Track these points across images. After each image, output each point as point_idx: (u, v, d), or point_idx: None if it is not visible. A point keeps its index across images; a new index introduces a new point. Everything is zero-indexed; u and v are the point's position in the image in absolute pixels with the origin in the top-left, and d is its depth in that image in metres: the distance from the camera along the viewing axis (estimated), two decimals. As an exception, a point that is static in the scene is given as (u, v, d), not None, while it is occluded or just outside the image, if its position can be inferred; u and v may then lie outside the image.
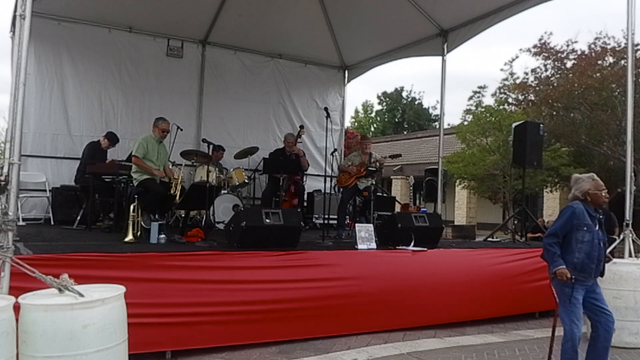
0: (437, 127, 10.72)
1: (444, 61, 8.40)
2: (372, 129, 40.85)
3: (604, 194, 3.74)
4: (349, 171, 7.53)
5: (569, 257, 3.65)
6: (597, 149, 14.61)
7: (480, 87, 18.70)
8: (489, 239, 8.19)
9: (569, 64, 14.93)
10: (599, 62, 14.32)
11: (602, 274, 3.80)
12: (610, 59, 14.36)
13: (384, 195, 10.52)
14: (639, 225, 6.77)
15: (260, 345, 4.56)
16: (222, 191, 7.77)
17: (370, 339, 5.00)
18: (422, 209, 8.07)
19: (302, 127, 8.77)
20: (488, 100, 18.77)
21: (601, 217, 3.78)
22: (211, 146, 6.80)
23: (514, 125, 8.47)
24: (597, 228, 3.71)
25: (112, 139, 7.80)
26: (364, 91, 64.67)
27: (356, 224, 6.01)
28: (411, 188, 9.41)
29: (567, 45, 14.84)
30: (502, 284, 5.95)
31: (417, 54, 9.10)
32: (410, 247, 5.77)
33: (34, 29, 3.77)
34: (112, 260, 4.20)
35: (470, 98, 18.65)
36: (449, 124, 21.69)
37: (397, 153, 8.09)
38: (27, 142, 7.75)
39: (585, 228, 3.63)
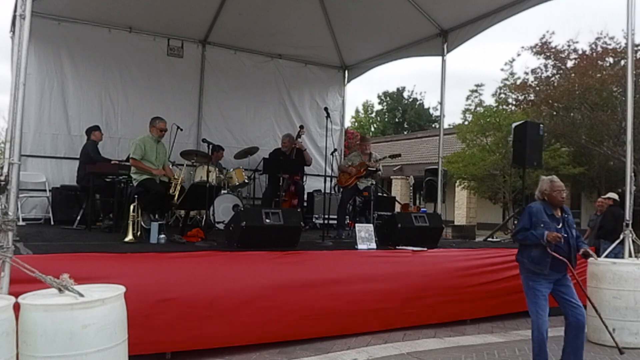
0: (438, 127, 10.73)
1: (444, 61, 8.40)
2: (373, 129, 40.82)
3: (558, 196, 3.99)
4: (348, 171, 7.53)
5: (527, 251, 4.00)
6: (597, 149, 14.61)
7: (477, 86, 18.72)
8: (489, 239, 8.19)
9: (569, 64, 14.94)
10: (600, 62, 14.33)
11: (572, 265, 4.00)
12: (611, 60, 14.36)
13: (384, 195, 10.53)
14: (639, 225, 6.77)
15: (260, 345, 4.56)
16: (222, 191, 7.76)
17: (370, 339, 5.00)
18: (422, 209, 8.06)
19: (302, 127, 8.76)
20: (488, 100, 18.78)
21: (566, 215, 4.05)
22: (211, 146, 6.80)
23: (514, 125, 8.48)
24: (559, 226, 3.96)
25: (96, 127, 7.76)
26: (364, 91, 64.73)
27: (356, 224, 6.02)
28: (411, 188, 9.39)
29: (569, 45, 14.87)
30: (501, 283, 5.96)
31: (417, 54, 9.11)
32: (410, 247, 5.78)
33: (34, 29, 3.77)
34: (112, 260, 4.20)
35: (468, 98, 18.69)
36: (449, 124, 21.69)
37: (397, 153, 8.10)
38: (27, 142, 7.75)
39: (542, 225, 3.92)
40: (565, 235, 3.95)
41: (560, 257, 3.87)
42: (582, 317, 3.94)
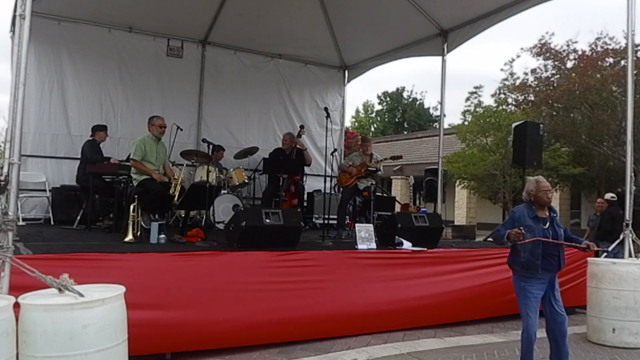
0: (437, 127, 10.72)
1: (444, 61, 8.40)
2: (373, 129, 40.83)
3: (544, 196, 4.01)
4: (349, 171, 7.53)
5: (517, 257, 4.01)
6: (597, 149, 14.61)
7: (476, 87, 18.75)
8: (489, 239, 8.18)
9: (569, 64, 14.94)
10: (600, 63, 14.33)
11: (559, 268, 4.04)
12: (611, 60, 14.37)
13: (384, 195, 10.52)
14: (639, 225, 6.77)
15: (260, 345, 4.56)
16: (222, 191, 7.76)
17: (370, 339, 5.00)
18: (422, 209, 8.06)
19: (302, 127, 8.76)
20: (487, 100, 18.79)
21: (554, 215, 4.08)
22: (211, 146, 6.79)
23: (514, 125, 8.48)
24: (546, 226, 3.98)
25: (103, 127, 7.73)
26: (364, 91, 64.76)
27: (356, 224, 6.01)
28: (411, 188, 9.40)
29: (568, 45, 14.87)
30: (501, 283, 5.95)
31: (417, 54, 9.11)
32: (410, 247, 5.77)
33: (34, 29, 3.77)
34: (112, 260, 4.20)
35: (467, 99, 18.70)
36: (449, 124, 21.70)
37: (398, 155, 8.10)
38: (27, 142, 7.74)
39: (522, 229, 3.89)
40: (551, 234, 3.96)
41: (553, 241, 3.90)
42: (564, 326, 3.97)
